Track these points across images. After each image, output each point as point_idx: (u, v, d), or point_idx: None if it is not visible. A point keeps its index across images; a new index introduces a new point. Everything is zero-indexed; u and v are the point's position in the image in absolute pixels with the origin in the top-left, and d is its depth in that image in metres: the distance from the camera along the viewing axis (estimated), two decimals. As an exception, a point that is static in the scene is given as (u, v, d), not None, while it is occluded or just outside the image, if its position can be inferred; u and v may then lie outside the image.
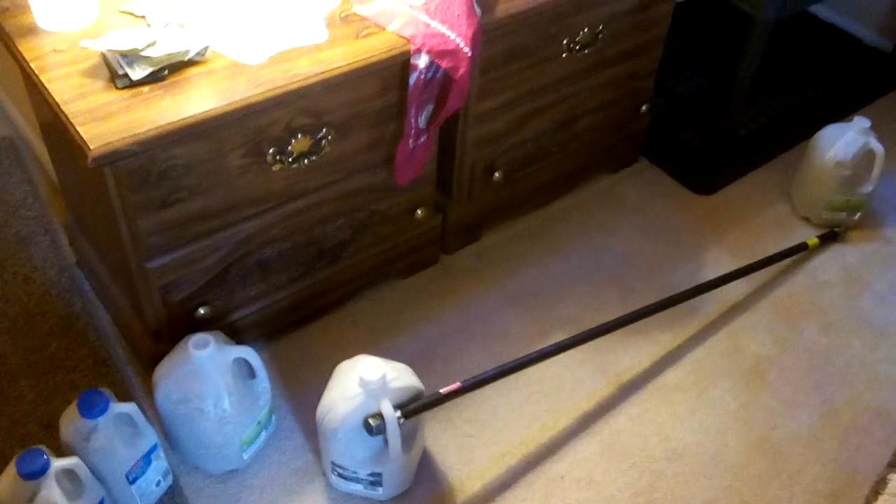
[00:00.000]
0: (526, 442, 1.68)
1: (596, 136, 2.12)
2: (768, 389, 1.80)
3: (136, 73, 1.35)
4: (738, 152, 2.30)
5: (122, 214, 1.38)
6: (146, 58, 1.37)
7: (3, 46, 1.46)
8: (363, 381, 1.43)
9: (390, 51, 1.49)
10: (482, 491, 1.60)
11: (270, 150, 1.47)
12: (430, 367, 1.77)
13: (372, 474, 1.50)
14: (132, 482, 1.43)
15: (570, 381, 1.78)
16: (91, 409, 1.35)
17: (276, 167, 1.50)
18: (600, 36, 1.87)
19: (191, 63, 1.40)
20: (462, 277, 1.99)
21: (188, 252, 1.50)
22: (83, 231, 1.79)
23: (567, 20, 1.77)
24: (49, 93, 1.33)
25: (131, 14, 1.49)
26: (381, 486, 1.52)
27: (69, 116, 1.29)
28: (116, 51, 1.37)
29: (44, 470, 1.26)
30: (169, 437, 1.58)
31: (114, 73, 1.36)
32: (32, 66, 1.37)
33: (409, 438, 1.50)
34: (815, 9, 2.81)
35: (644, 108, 2.17)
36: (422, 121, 1.62)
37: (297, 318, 1.80)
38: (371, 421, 1.42)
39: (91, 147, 1.24)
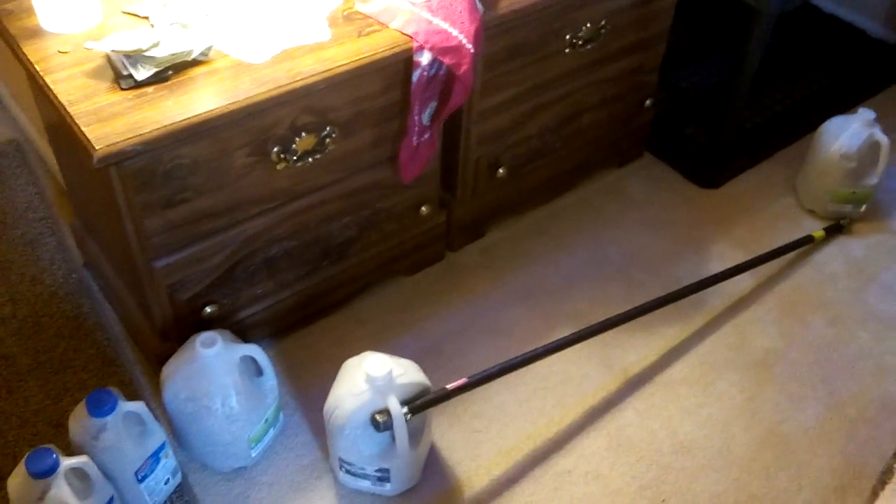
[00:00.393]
0: (533, 437, 1.68)
1: (600, 132, 2.12)
2: (775, 382, 1.80)
3: (141, 74, 1.36)
4: (742, 146, 2.29)
5: (128, 214, 1.38)
6: (150, 58, 1.37)
7: (8, 49, 1.47)
8: (370, 378, 1.43)
9: (393, 48, 1.49)
10: (490, 486, 1.60)
11: (275, 149, 1.48)
12: (436, 364, 1.77)
13: (379, 470, 1.50)
14: (141, 480, 1.44)
15: (577, 376, 1.79)
16: (100, 408, 1.36)
17: (280, 166, 1.50)
18: (603, 31, 1.87)
19: (195, 63, 1.41)
20: (467, 274, 1.99)
21: (194, 251, 1.50)
22: (90, 232, 1.79)
23: (570, 15, 1.78)
24: (54, 94, 1.34)
25: (135, 15, 1.50)
26: (388, 481, 1.52)
27: (74, 117, 1.29)
28: (120, 52, 1.38)
29: (53, 469, 1.27)
30: (177, 436, 1.59)
31: (118, 73, 1.36)
32: (37, 67, 1.38)
33: (416, 434, 1.50)
34: (819, 1, 2.80)
35: (648, 102, 2.16)
36: (425, 118, 1.62)
37: (303, 316, 1.80)
38: (378, 417, 1.43)
39: (96, 147, 1.25)
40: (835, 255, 2.09)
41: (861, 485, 1.63)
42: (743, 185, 2.27)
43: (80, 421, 1.39)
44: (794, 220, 2.18)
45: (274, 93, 1.38)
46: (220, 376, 1.46)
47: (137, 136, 1.28)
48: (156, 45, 1.39)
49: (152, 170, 1.34)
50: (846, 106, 2.38)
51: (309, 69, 1.42)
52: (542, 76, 1.84)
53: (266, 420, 1.57)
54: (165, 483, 1.51)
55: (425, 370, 1.56)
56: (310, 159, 1.53)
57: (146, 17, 1.49)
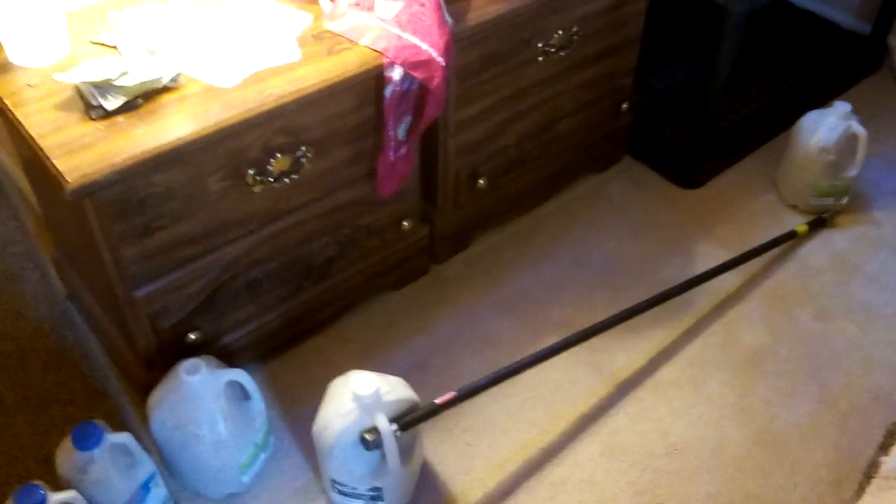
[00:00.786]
0: (525, 447, 1.67)
1: (578, 138, 2.12)
2: (765, 379, 1.80)
3: (111, 104, 1.35)
4: (721, 144, 2.30)
5: (105, 244, 1.38)
6: (120, 87, 1.37)
7: (-23, 85, 1.46)
8: (356, 397, 1.43)
9: (364, 65, 1.49)
10: (484, 499, 1.59)
11: (250, 172, 1.47)
12: (424, 379, 1.76)
13: (372, 489, 1.49)
14: (132, 512, 1.43)
15: (566, 384, 1.78)
16: (85, 441, 1.35)
17: (257, 188, 1.50)
18: (575, 38, 1.87)
19: (164, 90, 1.40)
20: (453, 286, 1.98)
21: (174, 278, 1.49)
22: (71, 263, 1.78)
23: (539, 24, 1.78)
24: (24, 128, 1.33)
25: (103, 45, 1.50)
26: (382, 500, 1.51)
27: (45, 150, 1.29)
28: (89, 82, 1.37)
29: (40, 505, 1.26)
30: (167, 464, 1.57)
31: (88, 104, 1.36)
32: (7, 102, 1.38)
33: (407, 451, 1.50)
34: (791, -4, 2.82)
35: (625, 106, 2.17)
36: (401, 132, 1.62)
37: (289, 337, 1.80)
38: (367, 436, 1.42)
39: (69, 179, 1.24)
40: (819, 249, 2.09)
41: (856, 478, 1.62)
42: (724, 184, 2.27)
43: (66, 455, 1.38)
44: (777, 215, 2.18)
45: (245, 115, 1.37)
46: (206, 403, 1.45)
47: (109, 166, 1.27)
48: (125, 73, 1.38)
49: (127, 199, 1.34)
50: (822, 100, 2.38)
51: (279, 90, 1.42)
52: (516, 85, 1.84)
53: (256, 444, 1.56)
54: (157, 513, 1.50)
55: (413, 385, 1.55)
56: (286, 180, 1.53)
57: (114, 47, 1.48)
